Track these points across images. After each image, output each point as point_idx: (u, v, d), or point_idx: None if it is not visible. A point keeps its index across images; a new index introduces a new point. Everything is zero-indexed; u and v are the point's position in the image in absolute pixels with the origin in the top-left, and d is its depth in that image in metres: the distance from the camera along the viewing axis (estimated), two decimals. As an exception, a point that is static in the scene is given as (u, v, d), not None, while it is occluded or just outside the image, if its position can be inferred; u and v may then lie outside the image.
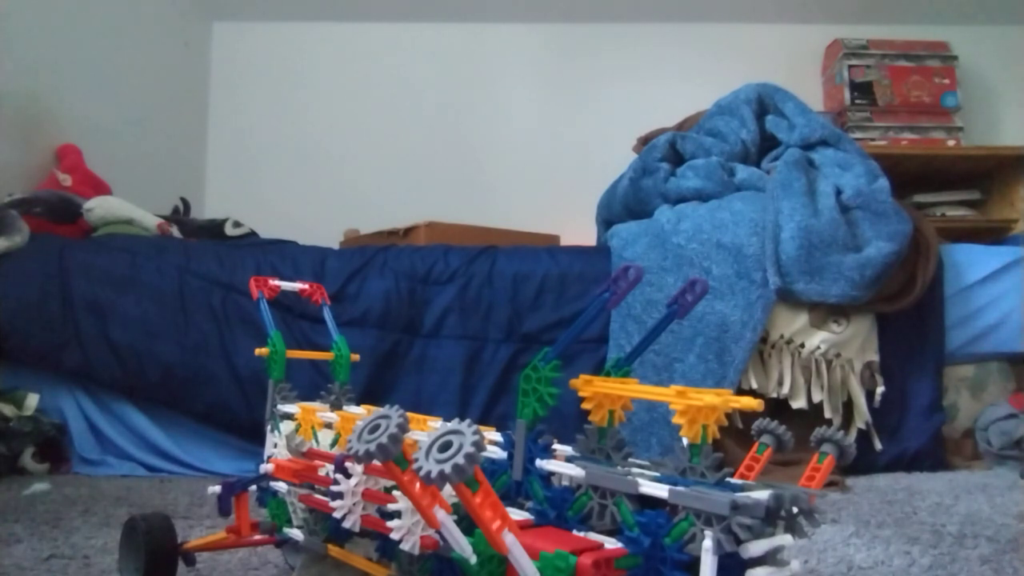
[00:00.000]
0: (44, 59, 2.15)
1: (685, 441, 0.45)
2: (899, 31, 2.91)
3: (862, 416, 1.70)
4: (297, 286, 0.87)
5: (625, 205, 2.01)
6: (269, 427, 0.78)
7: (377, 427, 0.40)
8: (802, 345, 1.70)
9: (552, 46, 3.13)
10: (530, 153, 3.03)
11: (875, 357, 1.74)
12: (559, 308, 1.79)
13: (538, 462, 0.51)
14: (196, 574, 0.82)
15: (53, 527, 1.03)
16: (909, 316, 1.79)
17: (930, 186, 2.71)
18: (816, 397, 1.68)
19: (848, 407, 1.71)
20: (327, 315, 0.87)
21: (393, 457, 0.40)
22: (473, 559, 0.45)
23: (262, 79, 3.09)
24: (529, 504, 0.52)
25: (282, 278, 1.79)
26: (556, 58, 3.13)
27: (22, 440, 1.59)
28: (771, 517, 0.41)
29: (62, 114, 2.20)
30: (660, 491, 0.44)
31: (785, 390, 1.67)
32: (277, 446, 0.70)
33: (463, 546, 0.44)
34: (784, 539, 0.42)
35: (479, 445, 0.38)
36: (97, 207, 1.98)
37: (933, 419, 1.77)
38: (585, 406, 0.51)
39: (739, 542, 0.41)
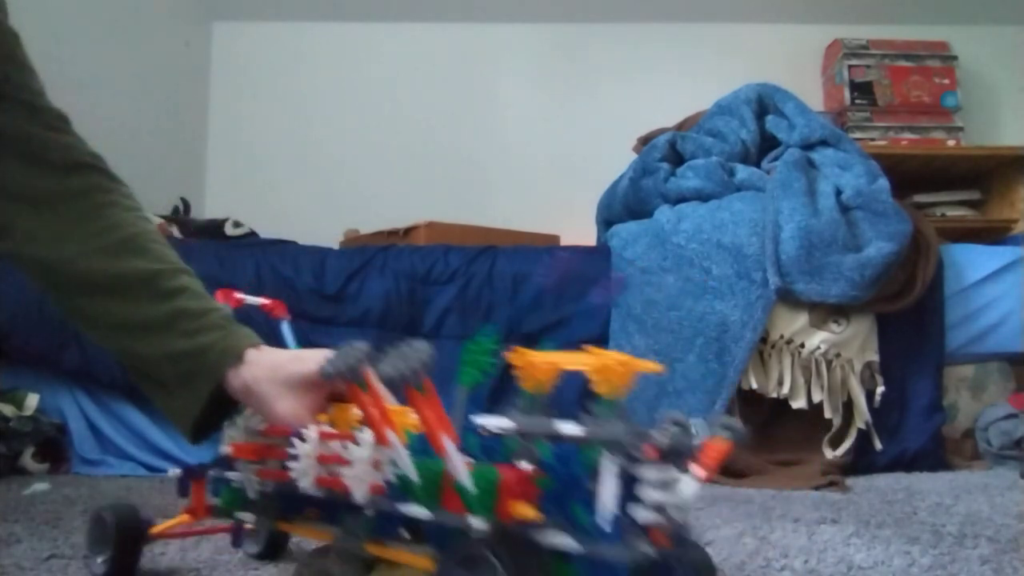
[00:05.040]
0: (44, 59, 2.14)
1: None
2: (899, 31, 2.91)
3: (862, 416, 1.70)
4: (260, 301, 0.90)
5: (625, 205, 2.01)
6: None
7: (345, 354, 0.49)
8: (802, 345, 1.70)
9: (552, 46, 3.13)
10: (530, 153, 3.03)
11: (875, 357, 1.74)
12: (559, 308, 1.79)
13: (474, 417, 0.57)
14: (196, 574, 0.82)
15: (53, 527, 1.03)
16: (909, 316, 1.79)
17: (930, 186, 2.71)
18: (816, 397, 1.68)
19: (848, 407, 1.71)
20: (286, 330, 0.89)
21: (358, 379, 0.48)
22: (416, 478, 0.51)
23: (262, 79, 3.09)
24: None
25: (282, 278, 1.81)
26: (556, 58, 3.13)
27: (22, 440, 1.59)
28: (666, 455, 0.49)
29: (62, 114, 2.20)
30: (574, 429, 0.50)
31: (785, 390, 1.67)
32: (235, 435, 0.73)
33: (408, 465, 0.51)
34: (675, 473, 0.49)
35: (430, 357, 0.47)
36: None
37: (933, 419, 1.77)
38: (517, 373, 0.59)
39: (633, 465, 0.48)
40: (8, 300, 1.66)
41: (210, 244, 1.95)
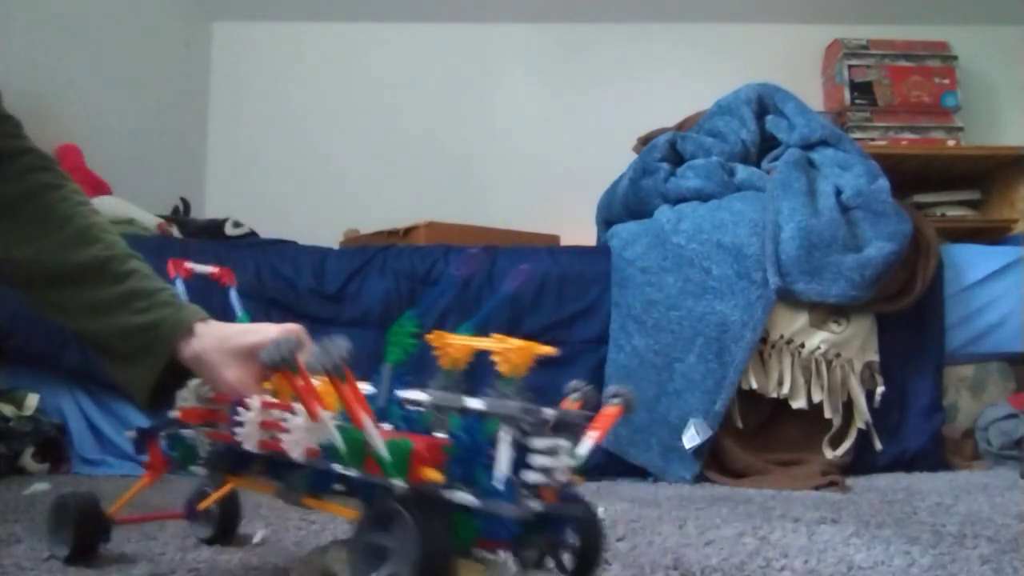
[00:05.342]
0: (44, 59, 2.15)
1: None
2: (899, 31, 2.91)
3: (862, 416, 1.70)
4: (209, 269, 0.96)
5: (625, 205, 2.01)
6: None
7: (280, 345, 0.56)
8: (802, 345, 1.70)
9: (552, 46, 3.13)
10: (530, 153, 3.03)
11: (875, 357, 1.74)
12: (559, 308, 1.79)
13: (397, 392, 0.66)
14: (196, 574, 0.82)
15: (53, 527, 1.03)
16: (909, 316, 1.79)
17: (930, 186, 2.71)
18: (816, 397, 1.68)
19: (848, 407, 1.71)
20: (233, 297, 0.96)
21: (291, 366, 0.57)
22: (343, 446, 0.60)
23: (262, 79, 3.09)
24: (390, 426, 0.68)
25: (282, 278, 1.81)
26: (556, 58, 3.13)
27: (22, 440, 1.59)
28: (556, 427, 0.59)
29: (62, 114, 2.20)
30: (478, 404, 0.59)
31: (785, 390, 1.67)
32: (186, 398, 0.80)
33: (336, 437, 0.60)
34: (562, 442, 0.59)
35: (349, 350, 0.55)
36: (97, 207, 1.98)
37: (933, 419, 1.78)
38: (435, 353, 0.67)
39: (525, 435, 0.57)
40: (8, 300, 1.66)
41: (210, 244, 1.95)
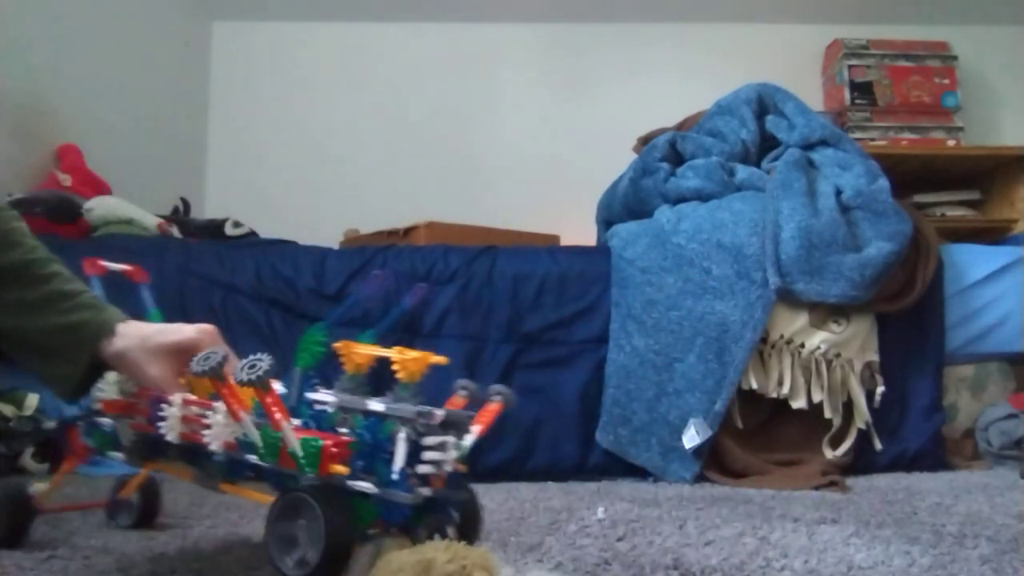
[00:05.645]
0: (44, 59, 2.14)
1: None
2: (899, 31, 2.91)
3: (862, 416, 1.70)
4: (121, 267, 1.01)
5: (625, 205, 2.01)
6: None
7: (208, 358, 0.67)
8: (802, 345, 1.70)
9: (552, 46, 3.13)
10: (530, 153, 3.03)
11: (875, 357, 1.74)
12: (559, 308, 1.79)
13: (307, 393, 0.75)
14: (196, 574, 0.82)
15: (53, 527, 1.03)
16: (909, 316, 1.79)
17: (930, 186, 2.71)
18: (816, 397, 1.68)
19: (848, 407, 1.71)
20: (145, 294, 1.01)
21: (218, 376, 0.67)
22: (260, 443, 0.69)
23: (262, 79, 3.09)
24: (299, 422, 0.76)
25: (282, 278, 1.81)
26: (556, 58, 3.13)
27: (22, 440, 1.59)
28: (444, 425, 0.68)
29: (62, 114, 2.20)
30: (379, 406, 0.69)
31: (785, 390, 1.67)
32: (104, 390, 0.87)
33: (255, 435, 0.69)
34: (451, 438, 0.69)
35: (272, 366, 0.65)
36: (97, 207, 1.98)
37: (933, 419, 1.78)
38: (341, 359, 0.76)
39: (420, 435, 0.67)
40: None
41: (210, 244, 1.95)
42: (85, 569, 0.83)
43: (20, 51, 2.05)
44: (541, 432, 1.71)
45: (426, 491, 0.67)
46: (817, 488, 1.52)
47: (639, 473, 1.70)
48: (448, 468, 0.69)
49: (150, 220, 2.03)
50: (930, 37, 2.88)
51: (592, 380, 1.76)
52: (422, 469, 0.67)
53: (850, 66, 2.80)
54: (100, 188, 2.16)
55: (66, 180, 2.08)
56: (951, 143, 2.75)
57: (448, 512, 0.73)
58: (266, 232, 2.25)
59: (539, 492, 1.43)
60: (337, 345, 0.77)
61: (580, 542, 0.98)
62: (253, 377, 0.64)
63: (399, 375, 0.71)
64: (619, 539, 1.00)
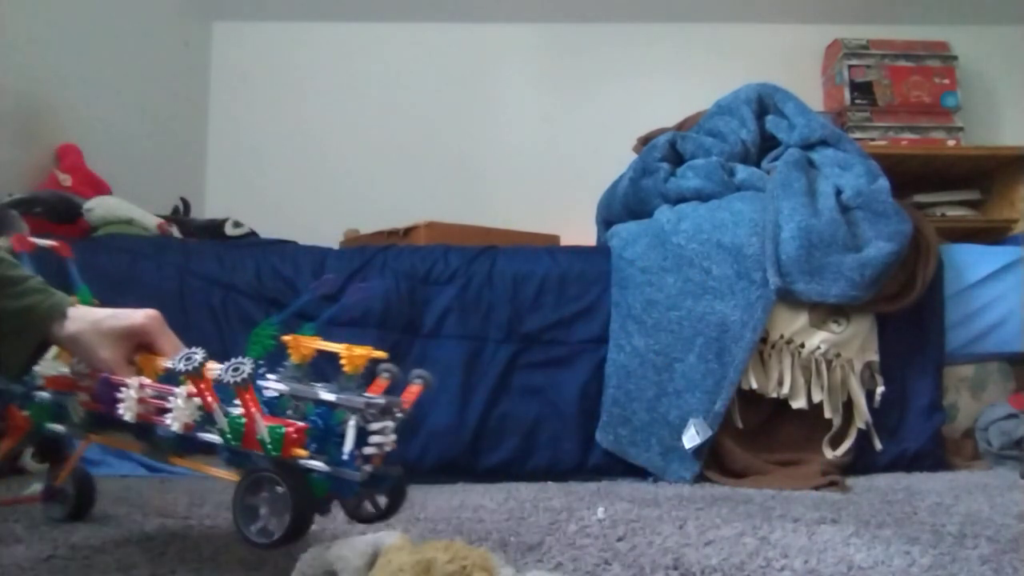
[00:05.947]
0: (44, 59, 2.14)
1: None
2: (899, 31, 2.91)
3: (862, 416, 1.70)
4: (49, 243, 1.04)
5: (625, 205, 2.01)
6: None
7: (190, 358, 0.74)
8: (802, 345, 1.70)
9: (551, 46, 3.13)
10: (530, 153, 3.03)
11: (875, 357, 1.74)
12: (559, 308, 1.79)
13: (259, 382, 0.80)
14: (196, 574, 0.82)
15: (53, 527, 1.03)
16: (909, 316, 1.79)
17: (930, 186, 2.71)
18: (816, 397, 1.68)
19: (848, 407, 1.71)
20: (72, 268, 1.03)
21: (199, 374, 0.74)
22: (227, 428, 0.77)
23: (262, 79, 3.09)
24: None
25: (282, 278, 1.81)
26: (556, 58, 3.13)
27: (22, 440, 1.59)
28: (383, 411, 0.77)
29: (62, 114, 2.20)
30: (330, 395, 0.76)
31: (785, 390, 1.67)
32: (42, 366, 0.91)
33: (223, 423, 0.76)
34: (390, 423, 0.78)
35: (253, 370, 0.72)
36: (97, 207, 1.98)
37: (933, 419, 1.77)
38: (288, 351, 0.83)
39: (367, 421, 0.75)
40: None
41: (210, 244, 1.95)
42: (85, 569, 0.83)
43: (20, 51, 2.05)
44: (541, 432, 1.71)
45: (369, 468, 0.76)
46: (817, 488, 1.52)
47: (639, 473, 1.70)
48: (388, 448, 0.78)
49: (150, 220, 2.03)
50: (930, 37, 2.88)
51: (592, 380, 1.76)
52: (367, 451, 0.76)
53: (850, 66, 2.80)
54: (100, 188, 2.16)
55: (66, 180, 2.08)
56: (951, 143, 2.75)
57: (381, 487, 0.83)
58: (266, 232, 2.25)
59: (539, 492, 1.43)
60: (287, 338, 0.84)
61: (580, 542, 0.98)
62: (239, 379, 0.72)
63: (345, 368, 0.78)
64: (619, 539, 1.00)
